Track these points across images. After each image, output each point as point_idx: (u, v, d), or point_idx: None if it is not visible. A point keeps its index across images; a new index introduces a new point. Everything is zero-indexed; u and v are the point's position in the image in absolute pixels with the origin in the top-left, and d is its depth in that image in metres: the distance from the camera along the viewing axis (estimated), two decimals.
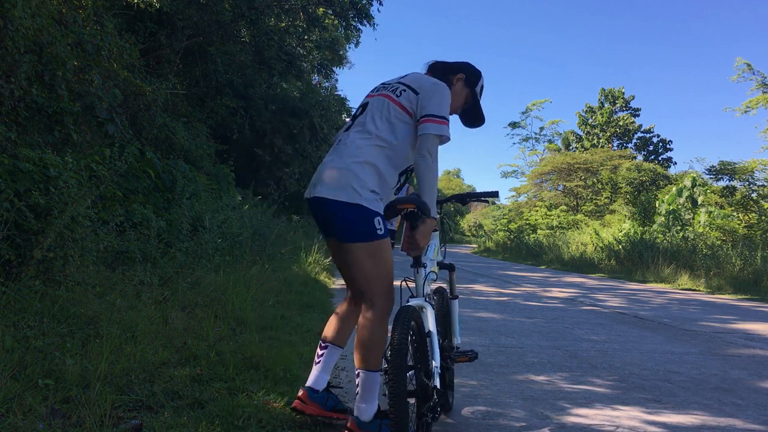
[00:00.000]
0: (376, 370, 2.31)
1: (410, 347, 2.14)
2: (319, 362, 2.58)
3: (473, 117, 2.77)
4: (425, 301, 2.37)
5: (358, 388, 2.30)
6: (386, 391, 2.07)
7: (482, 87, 2.76)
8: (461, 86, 2.67)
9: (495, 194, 2.84)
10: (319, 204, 2.37)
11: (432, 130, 2.36)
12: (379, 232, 2.32)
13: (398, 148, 2.42)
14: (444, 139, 2.40)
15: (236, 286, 5.04)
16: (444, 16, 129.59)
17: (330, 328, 2.65)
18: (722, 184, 18.67)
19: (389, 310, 2.36)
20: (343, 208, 2.30)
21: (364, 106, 2.55)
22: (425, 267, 2.45)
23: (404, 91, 2.47)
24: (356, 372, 2.32)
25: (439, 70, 2.67)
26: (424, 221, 2.30)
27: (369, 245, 2.31)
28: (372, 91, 2.61)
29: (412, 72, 2.62)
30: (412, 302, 2.32)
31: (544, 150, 49.67)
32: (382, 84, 2.60)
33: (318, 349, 2.64)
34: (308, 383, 2.54)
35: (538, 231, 30.83)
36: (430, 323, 2.31)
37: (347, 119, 30.16)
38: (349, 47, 24.02)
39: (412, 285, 2.44)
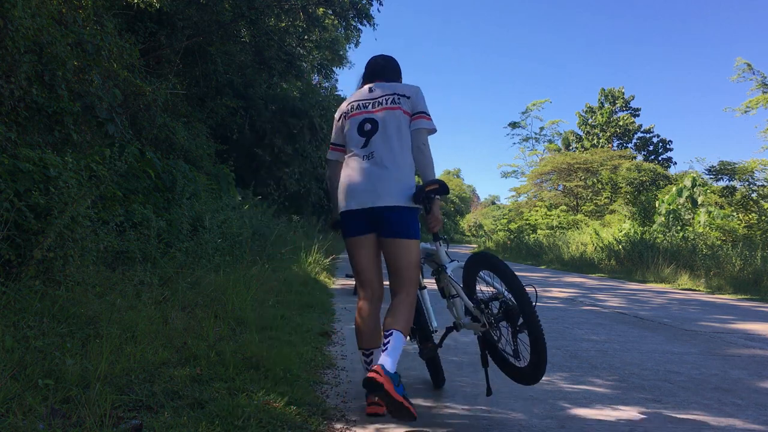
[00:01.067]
0: (407, 334, 2.72)
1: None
2: (385, 348, 2.62)
3: None
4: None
5: (389, 345, 2.60)
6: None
7: None
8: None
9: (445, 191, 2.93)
10: (379, 212, 2.78)
11: (425, 125, 2.87)
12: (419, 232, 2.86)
13: (410, 151, 2.89)
14: (432, 131, 2.89)
15: (236, 286, 5.04)
16: (444, 16, 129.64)
17: (372, 336, 2.89)
18: (722, 184, 18.67)
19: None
20: (405, 212, 2.79)
21: (374, 123, 2.88)
22: (442, 241, 3.06)
23: (400, 99, 2.90)
24: (391, 331, 2.64)
25: (393, 71, 3.11)
26: (434, 201, 2.81)
27: (417, 242, 2.86)
28: (362, 108, 2.95)
29: (381, 84, 3.00)
30: (449, 267, 3.00)
31: (544, 150, 49.65)
32: (359, 101, 2.98)
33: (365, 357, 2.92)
34: (379, 362, 2.56)
35: (538, 231, 30.82)
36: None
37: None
38: (349, 47, 24.06)
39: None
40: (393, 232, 2.79)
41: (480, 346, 3.00)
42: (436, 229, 2.91)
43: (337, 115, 3.10)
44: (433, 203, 2.81)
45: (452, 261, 3.05)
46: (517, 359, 2.80)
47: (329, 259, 10.68)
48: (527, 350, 2.67)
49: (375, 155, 2.83)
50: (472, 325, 2.96)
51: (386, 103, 2.89)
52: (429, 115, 2.90)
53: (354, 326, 2.97)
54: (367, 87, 3.03)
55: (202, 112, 13.48)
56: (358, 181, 2.84)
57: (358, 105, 2.97)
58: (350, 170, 2.90)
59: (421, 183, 2.80)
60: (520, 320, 2.68)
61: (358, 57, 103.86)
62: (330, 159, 3.11)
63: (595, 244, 18.90)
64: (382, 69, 3.09)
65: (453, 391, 3.27)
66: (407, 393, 2.67)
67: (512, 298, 2.73)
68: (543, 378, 2.72)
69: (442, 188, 2.76)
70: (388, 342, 2.62)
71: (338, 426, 2.59)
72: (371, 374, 2.45)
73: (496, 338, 2.88)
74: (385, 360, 2.54)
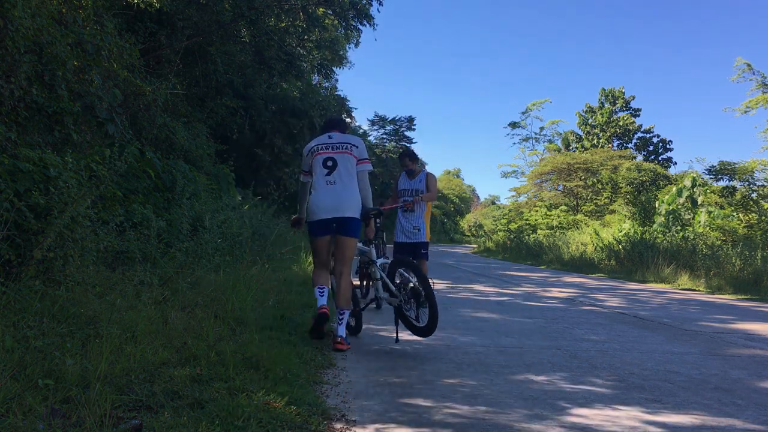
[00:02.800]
0: (349, 308, 4.42)
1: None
2: (340, 322, 4.29)
3: None
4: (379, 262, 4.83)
5: (342, 319, 4.28)
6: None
7: None
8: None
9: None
10: (343, 221, 4.40)
11: (367, 167, 4.57)
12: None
13: (356, 182, 4.51)
14: (371, 171, 4.65)
15: (236, 286, 5.04)
16: (444, 16, 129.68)
17: (320, 280, 4.53)
18: (722, 184, 18.65)
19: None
20: (356, 221, 4.45)
21: (334, 161, 4.47)
22: (375, 244, 5.16)
23: (351, 147, 4.53)
24: (343, 311, 4.29)
25: (333, 126, 4.75)
26: (371, 219, 4.85)
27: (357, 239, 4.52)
28: (325, 149, 4.53)
29: (337, 134, 4.63)
30: (378, 262, 4.78)
31: (544, 150, 49.62)
32: (322, 144, 4.56)
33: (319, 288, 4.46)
34: (338, 333, 4.24)
35: (538, 231, 30.82)
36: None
37: (347, 119, 30.08)
38: (349, 47, 24.08)
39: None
40: (348, 233, 4.42)
41: (395, 312, 4.53)
42: (371, 236, 4.98)
43: (305, 151, 4.62)
44: (371, 220, 4.73)
45: (379, 258, 4.67)
46: (418, 322, 4.37)
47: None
48: (425, 317, 4.26)
49: (336, 183, 4.42)
50: (390, 300, 4.58)
51: (342, 149, 4.50)
52: (369, 160, 4.60)
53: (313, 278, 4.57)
54: (327, 135, 4.62)
55: (202, 112, 13.48)
56: (327, 200, 4.41)
57: (323, 147, 4.54)
58: (320, 192, 4.43)
59: (365, 207, 4.50)
60: (422, 298, 4.27)
61: (358, 57, 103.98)
62: (303, 181, 4.74)
63: (595, 244, 18.89)
64: (337, 123, 4.81)
65: (453, 391, 3.27)
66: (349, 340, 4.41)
67: (419, 285, 4.31)
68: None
69: (378, 212, 4.83)
70: (342, 317, 4.27)
71: (338, 426, 2.59)
72: (337, 345, 4.17)
73: (406, 310, 4.46)
74: (342, 329, 4.26)
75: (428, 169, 7.36)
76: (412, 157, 7.01)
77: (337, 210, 4.36)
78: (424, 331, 4.28)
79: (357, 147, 4.52)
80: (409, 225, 6.80)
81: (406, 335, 4.97)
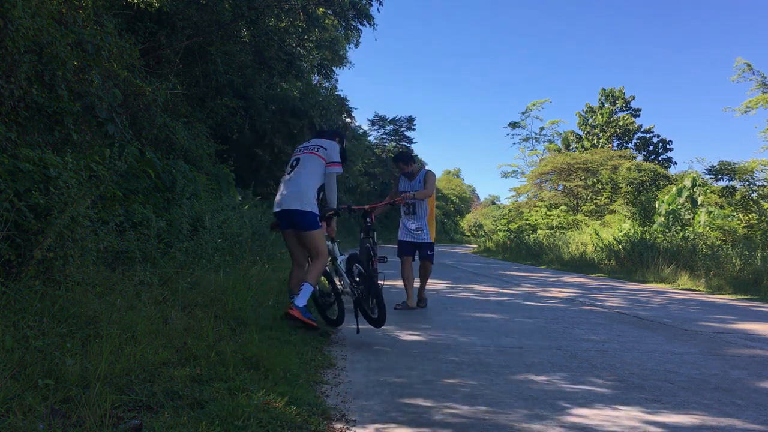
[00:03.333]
0: (313, 285, 4.60)
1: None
2: (299, 292, 4.54)
3: (344, 158, 5.18)
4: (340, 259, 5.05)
5: (302, 290, 4.49)
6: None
7: (344, 142, 5.36)
8: (338, 143, 5.09)
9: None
10: (289, 213, 4.71)
11: (335, 170, 4.86)
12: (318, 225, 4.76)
13: (319, 180, 4.79)
14: (339, 175, 4.97)
15: (236, 286, 5.04)
16: (444, 16, 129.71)
17: (295, 286, 4.75)
18: (722, 184, 18.63)
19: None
20: (303, 214, 4.68)
21: (298, 160, 4.85)
22: (337, 243, 5.14)
23: (319, 149, 4.88)
24: (303, 283, 4.54)
25: (325, 133, 5.23)
26: (332, 219, 5.00)
27: (315, 231, 4.71)
28: (298, 151, 4.98)
29: (317, 138, 5.11)
30: (339, 258, 5.05)
31: (544, 150, 49.60)
32: (298, 147, 5.06)
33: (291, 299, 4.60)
34: (296, 302, 4.46)
35: (538, 231, 30.81)
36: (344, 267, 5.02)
37: (347, 119, 30.12)
38: (349, 47, 24.07)
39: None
40: (297, 227, 4.73)
41: (354, 304, 4.77)
42: (333, 236, 5.01)
43: None
44: (331, 220, 4.95)
45: (341, 255, 5.03)
46: (373, 314, 4.73)
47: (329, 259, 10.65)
48: (377, 310, 4.67)
49: (291, 179, 4.77)
50: (349, 291, 4.87)
51: (309, 150, 4.89)
52: (338, 163, 4.87)
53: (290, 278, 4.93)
54: (310, 140, 5.11)
55: (202, 112, 13.48)
56: (279, 196, 4.81)
57: (299, 149, 5.02)
58: (281, 187, 4.87)
59: (328, 207, 4.84)
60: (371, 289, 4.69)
61: (358, 57, 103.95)
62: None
63: (595, 244, 18.88)
64: (323, 133, 5.31)
65: (453, 391, 3.27)
66: (314, 317, 4.81)
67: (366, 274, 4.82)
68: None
69: (336, 213, 4.98)
70: (302, 288, 4.51)
71: (338, 426, 2.59)
72: (289, 311, 4.39)
73: (363, 302, 4.75)
74: (300, 300, 4.46)
75: (428, 168, 7.12)
76: (406, 160, 6.85)
77: (283, 203, 4.70)
78: (377, 323, 4.71)
79: (326, 149, 4.84)
80: (413, 226, 6.76)
81: (407, 335, 4.97)
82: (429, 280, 7.07)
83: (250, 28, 14.33)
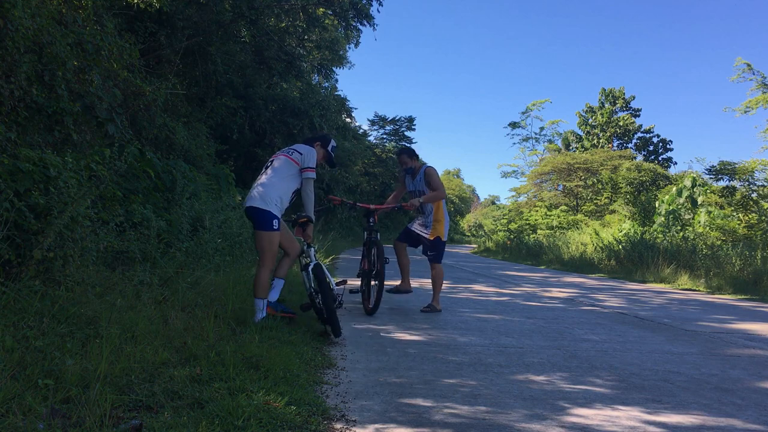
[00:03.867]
0: (264, 298, 4.62)
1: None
2: (273, 288, 4.81)
3: (330, 162, 5.33)
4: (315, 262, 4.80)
5: (274, 285, 4.79)
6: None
7: (333, 146, 5.35)
8: (319, 147, 5.16)
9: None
10: (249, 210, 4.72)
11: (310, 175, 4.84)
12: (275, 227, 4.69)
13: (290, 183, 4.82)
14: (314, 179, 4.88)
15: (236, 286, 5.04)
16: (444, 16, 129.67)
17: (279, 270, 4.95)
18: (722, 184, 18.62)
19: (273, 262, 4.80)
20: (257, 212, 4.67)
21: (272, 162, 4.92)
22: (313, 248, 4.90)
23: (294, 153, 4.92)
24: (276, 279, 4.84)
25: (309, 140, 5.22)
26: (308, 226, 4.87)
27: (265, 233, 4.68)
28: (275, 155, 5.04)
29: (299, 144, 5.10)
30: (312, 263, 4.75)
31: (544, 150, 49.62)
32: (279, 150, 5.12)
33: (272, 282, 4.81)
34: (269, 299, 4.70)
35: (538, 231, 30.81)
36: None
37: (347, 119, 30.07)
38: (349, 47, 24.07)
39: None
40: (254, 226, 4.73)
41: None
42: (309, 242, 4.88)
43: None
44: (306, 227, 4.86)
45: (314, 261, 4.81)
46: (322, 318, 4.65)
47: (329, 260, 10.68)
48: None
49: (261, 179, 4.84)
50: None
51: (285, 153, 4.97)
52: (313, 169, 4.85)
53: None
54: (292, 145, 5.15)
55: (202, 112, 13.48)
56: (251, 191, 4.84)
57: (277, 152, 5.09)
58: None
59: (302, 213, 4.84)
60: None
61: (358, 57, 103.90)
62: None
63: (595, 244, 18.88)
64: (307, 140, 5.29)
65: (453, 391, 3.27)
66: (290, 309, 5.00)
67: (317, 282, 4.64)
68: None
69: (310, 220, 4.86)
70: (274, 285, 4.79)
71: (338, 426, 2.59)
72: (267, 309, 4.60)
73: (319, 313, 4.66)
74: (272, 295, 4.74)
75: (428, 165, 6.98)
76: (410, 154, 6.64)
77: (246, 202, 4.79)
78: (332, 332, 4.58)
79: (301, 154, 4.87)
80: (419, 222, 6.58)
81: (407, 335, 4.97)
82: (429, 281, 6.95)
83: (250, 28, 14.32)
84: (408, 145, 45.75)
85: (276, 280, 4.80)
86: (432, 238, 6.46)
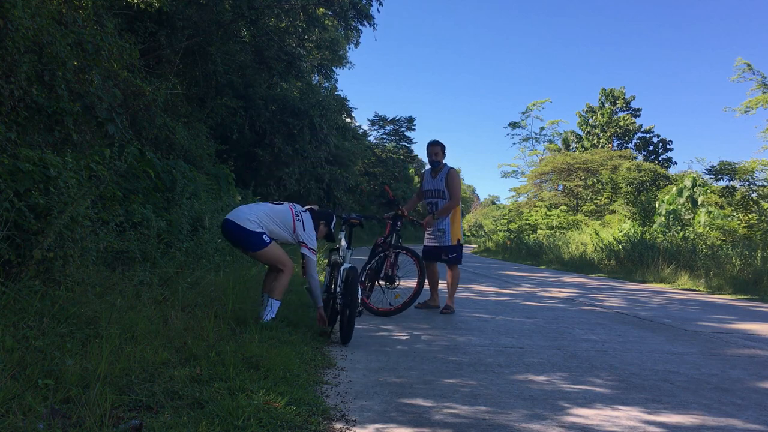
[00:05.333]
0: (279, 300, 4.62)
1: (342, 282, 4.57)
2: (269, 309, 4.58)
3: (329, 239, 5.11)
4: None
5: (267, 307, 4.54)
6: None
7: (335, 222, 5.15)
8: (323, 226, 4.98)
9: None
10: (227, 223, 4.64)
11: (305, 252, 4.68)
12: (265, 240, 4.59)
13: (273, 225, 4.63)
14: (312, 259, 4.72)
15: (236, 286, 5.04)
16: (444, 16, 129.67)
17: (275, 291, 4.70)
18: (722, 184, 18.62)
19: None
20: (243, 233, 4.57)
21: (281, 203, 4.83)
22: (352, 250, 4.96)
23: (299, 217, 4.73)
24: (267, 298, 4.61)
25: (315, 215, 4.95)
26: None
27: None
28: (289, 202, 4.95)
29: (306, 215, 4.82)
30: (345, 265, 4.62)
31: (544, 150, 49.62)
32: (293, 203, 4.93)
33: (262, 296, 4.75)
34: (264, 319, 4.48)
35: (538, 231, 30.82)
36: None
37: (347, 119, 30.05)
38: (349, 47, 24.07)
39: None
40: (246, 249, 4.65)
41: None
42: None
43: None
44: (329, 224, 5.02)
45: (346, 264, 4.67)
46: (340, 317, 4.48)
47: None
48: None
49: (256, 204, 4.83)
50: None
51: (291, 206, 4.80)
52: (308, 247, 4.70)
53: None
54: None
55: (202, 112, 13.47)
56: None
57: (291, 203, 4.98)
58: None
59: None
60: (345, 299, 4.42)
61: (358, 57, 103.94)
62: None
63: (595, 244, 18.88)
64: (314, 213, 4.97)
65: (453, 391, 3.27)
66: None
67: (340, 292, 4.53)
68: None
69: (360, 224, 5.23)
70: (266, 305, 4.56)
71: (338, 426, 2.59)
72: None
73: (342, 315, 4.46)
74: (266, 315, 4.50)
75: (451, 167, 6.94)
76: (444, 148, 6.52)
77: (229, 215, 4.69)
78: (342, 338, 4.44)
79: (304, 230, 4.70)
80: (434, 228, 6.49)
81: (407, 335, 4.96)
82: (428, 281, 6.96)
83: (250, 28, 14.33)
84: (408, 145, 45.76)
85: (270, 300, 4.56)
86: (454, 243, 6.46)
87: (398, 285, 6.14)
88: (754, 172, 17.22)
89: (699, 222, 18.55)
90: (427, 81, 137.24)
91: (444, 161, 6.64)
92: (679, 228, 18.74)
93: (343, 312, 4.36)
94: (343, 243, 4.94)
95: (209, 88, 13.59)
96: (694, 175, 21.04)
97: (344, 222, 5.10)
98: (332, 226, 5.13)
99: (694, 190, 20.43)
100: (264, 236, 4.52)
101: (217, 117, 14.17)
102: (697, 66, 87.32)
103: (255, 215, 4.57)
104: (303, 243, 4.66)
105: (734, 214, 17.87)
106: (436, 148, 6.52)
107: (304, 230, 4.69)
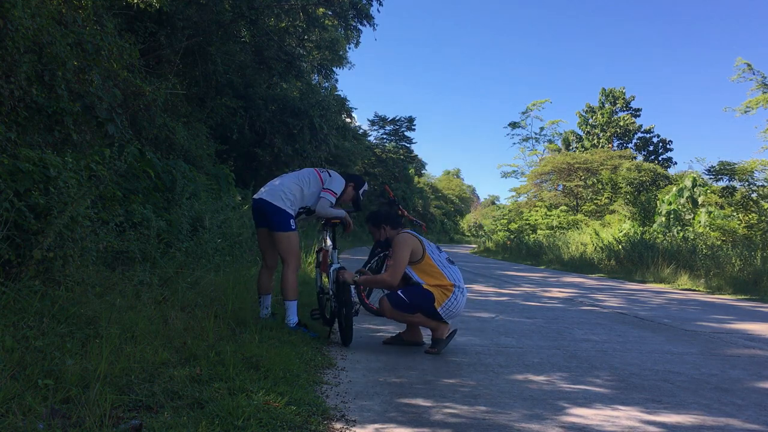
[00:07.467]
0: (294, 299, 4.57)
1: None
2: (289, 311, 4.59)
3: (357, 206, 5.11)
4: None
5: (287, 310, 4.56)
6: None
7: (364, 190, 5.04)
8: (351, 189, 4.90)
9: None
10: (259, 203, 4.59)
11: (328, 196, 4.62)
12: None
13: (304, 193, 4.64)
14: (329, 201, 4.64)
15: (236, 286, 5.04)
16: (444, 16, 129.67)
17: (263, 285, 4.77)
18: (722, 184, 18.61)
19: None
20: (275, 211, 4.53)
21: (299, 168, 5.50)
22: (338, 250, 4.85)
23: (325, 173, 4.80)
24: (285, 301, 4.58)
25: (345, 176, 4.92)
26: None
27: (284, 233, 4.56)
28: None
29: (333, 171, 4.89)
30: (334, 266, 4.57)
31: (544, 150, 49.63)
32: (315, 168, 4.89)
33: (260, 298, 4.78)
34: (290, 324, 4.51)
35: (538, 231, 30.82)
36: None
37: (347, 119, 30.04)
38: (349, 47, 24.02)
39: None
40: (271, 227, 4.54)
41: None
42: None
43: None
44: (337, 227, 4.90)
45: (336, 264, 4.62)
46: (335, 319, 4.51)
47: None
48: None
49: (275, 180, 4.78)
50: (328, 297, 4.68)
51: (316, 169, 4.85)
52: (335, 193, 4.66)
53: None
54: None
55: (202, 112, 13.47)
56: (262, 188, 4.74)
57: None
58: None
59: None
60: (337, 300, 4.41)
61: (358, 57, 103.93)
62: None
63: (595, 245, 18.88)
64: (344, 174, 4.96)
65: (453, 391, 3.27)
66: (310, 325, 4.66)
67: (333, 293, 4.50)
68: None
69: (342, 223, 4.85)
70: (288, 309, 4.56)
71: (338, 426, 2.59)
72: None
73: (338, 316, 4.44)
74: (290, 318, 4.54)
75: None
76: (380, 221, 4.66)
77: (257, 194, 4.65)
78: (343, 339, 4.36)
79: (330, 176, 4.75)
80: None
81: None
82: None
83: (250, 28, 14.33)
84: (408, 145, 45.60)
85: (286, 303, 4.55)
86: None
87: None
88: (753, 172, 17.22)
89: (699, 222, 18.55)
90: (427, 81, 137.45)
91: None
92: (679, 228, 18.74)
93: (340, 312, 4.34)
94: (329, 243, 4.82)
95: (209, 88, 13.59)
96: (694, 175, 21.03)
97: (325, 223, 4.84)
98: (361, 193, 4.97)
99: (694, 190, 20.43)
100: (292, 221, 4.52)
101: (217, 117, 14.17)
102: (697, 66, 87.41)
103: (287, 188, 4.56)
104: (327, 189, 4.63)
105: (734, 214, 17.86)
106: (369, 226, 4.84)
107: (331, 177, 4.72)
